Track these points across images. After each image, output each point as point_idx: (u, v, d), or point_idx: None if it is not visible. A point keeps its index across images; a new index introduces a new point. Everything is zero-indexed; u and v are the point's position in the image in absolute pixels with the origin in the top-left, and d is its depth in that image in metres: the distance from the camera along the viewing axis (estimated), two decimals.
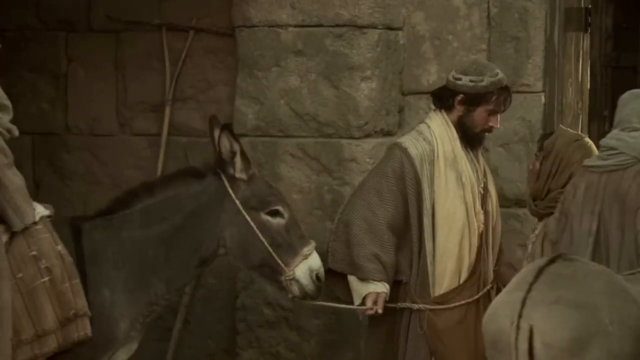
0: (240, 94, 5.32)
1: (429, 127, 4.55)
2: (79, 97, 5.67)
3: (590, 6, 5.67)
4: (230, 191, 4.28)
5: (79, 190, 5.62)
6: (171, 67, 5.54)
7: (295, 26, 5.20)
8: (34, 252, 3.98)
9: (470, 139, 4.53)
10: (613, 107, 6.20)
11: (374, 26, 5.18)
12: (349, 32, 5.16)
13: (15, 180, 3.98)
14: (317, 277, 4.31)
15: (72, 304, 4.00)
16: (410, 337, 4.51)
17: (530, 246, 4.35)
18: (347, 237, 4.47)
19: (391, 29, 5.27)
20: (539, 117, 5.27)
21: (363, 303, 4.44)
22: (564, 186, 4.32)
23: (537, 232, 4.38)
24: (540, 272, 3.63)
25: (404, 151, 4.48)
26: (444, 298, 4.49)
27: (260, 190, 4.34)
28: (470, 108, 4.49)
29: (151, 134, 5.62)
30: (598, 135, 6.07)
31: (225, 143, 4.27)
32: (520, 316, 3.55)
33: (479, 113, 4.48)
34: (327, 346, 5.22)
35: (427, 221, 4.47)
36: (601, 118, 6.04)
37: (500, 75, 4.50)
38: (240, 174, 4.30)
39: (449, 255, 4.47)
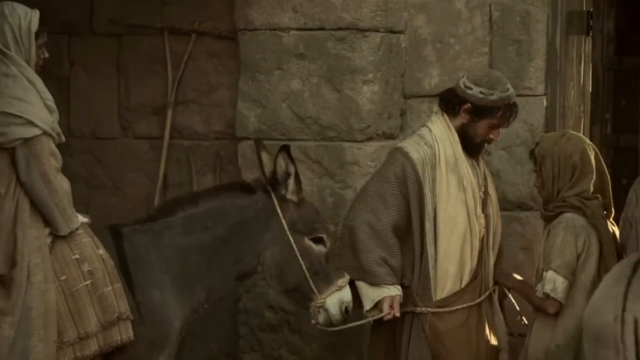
0: (243, 97, 5.32)
1: (430, 130, 4.56)
2: (82, 100, 5.68)
3: (592, 9, 5.67)
4: (279, 211, 4.33)
5: (82, 192, 5.62)
6: (173, 71, 5.55)
7: (297, 29, 5.21)
8: (77, 256, 4.04)
9: (469, 147, 4.55)
10: (615, 110, 6.21)
11: (375, 29, 5.19)
12: (351, 36, 5.17)
13: (64, 184, 4.05)
14: (346, 309, 4.37)
15: (115, 307, 4.04)
16: (412, 340, 4.52)
17: (540, 247, 4.37)
18: (353, 243, 4.49)
19: (393, 32, 5.27)
20: (540, 120, 5.27)
21: (375, 307, 4.46)
22: (570, 180, 4.33)
23: (546, 234, 4.41)
24: (636, 265, 3.69)
25: (406, 155, 4.50)
26: (446, 302, 4.49)
27: (308, 215, 4.39)
28: (475, 118, 4.52)
29: (153, 137, 5.63)
30: (600, 138, 6.08)
31: (281, 163, 4.32)
32: (624, 310, 3.62)
33: (483, 125, 4.51)
34: (329, 349, 5.22)
35: (429, 225, 4.48)
36: (603, 121, 6.04)
37: (510, 91, 4.53)
38: (291, 196, 4.35)
39: (451, 259, 4.48)
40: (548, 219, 4.41)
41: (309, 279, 4.32)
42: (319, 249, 4.36)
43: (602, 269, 4.30)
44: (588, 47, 5.71)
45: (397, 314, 4.45)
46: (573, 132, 4.48)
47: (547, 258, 4.28)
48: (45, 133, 3.97)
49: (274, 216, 4.33)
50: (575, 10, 5.56)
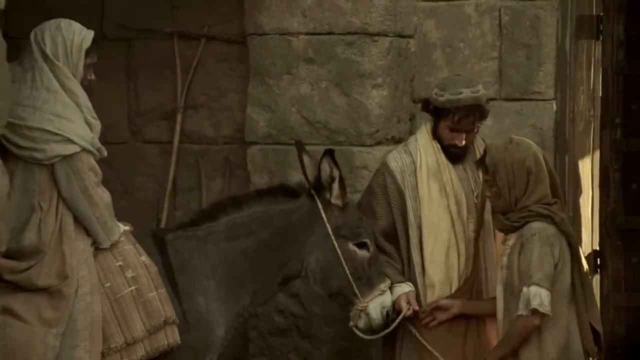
0: (252, 102, 5.32)
1: (416, 139, 4.62)
2: (91, 104, 5.68)
3: (602, 14, 5.67)
4: (324, 215, 4.34)
5: None
6: (183, 75, 5.55)
7: (307, 34, 5.21)
8: (120, 263, 4.08)
9: (445, 151, 4.55)
10: (625, 114, 6.19)
11: (385, 34, 5.19)
12: (360, 40, 5.17)
13: (104, 197, 4.09)
14: (387, 313, 4.41)
15: (160, 312, 4.06)
16: (404, 348, 4.57)
17: (505, 258, 4.30)
18: None
19: (402, 36, 5.27)
20: (550, 124, 5.27)
21: (393, 310, 4.47)
22: (527, 186, 4.25)
23: (511, 242, 4.30)
24: None
25: (385, 165, 4.59)
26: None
27: (352, 220, 4.40)
28: (435, 120, 4.56)
29: (163, 142, 5.64)
30: (610, 142, 6.06)
31: (326, 167, 4.33)
32: None
33: (442, 127, 4.54)
34: (339, 354, 5.22)
35: (412, 232, 4.52)
36: (613, 125, 6.02)
37: (463, 94, 4.48)
38: (336, 200, 4.36)
39: (436, 264, 4.50)
40: (511, 230, 4.30)
41: (353, 284, 4.34)
42: (362, 253, 4.38)
43: (575, 274, 4.24)
44: (598, 52, 5.71)
45: (416, 307, 4.48)
46: (519, 137, 4.42)
47: (526, 273, 4.19)
48: (84, 150, 4.01)
49: (318, 221, 4.34)
50: (585, 15, 5.56)
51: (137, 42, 5.62)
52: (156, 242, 4.25)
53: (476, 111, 4.47)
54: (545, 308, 4.17)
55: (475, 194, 4.55)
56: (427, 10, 5.31)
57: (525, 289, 4.17)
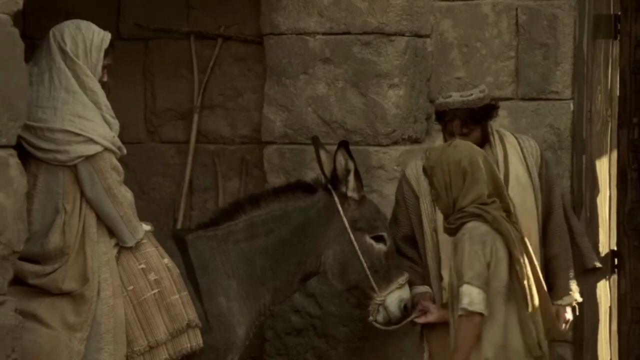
0: (268, 102, 5.33)
1: (436, 143, 4.77)
2: None
3: (619, 13, 5.64)
4: (340, 209, 4.35)
5: None
6: (199, 75, 5.56)
7: (323, 34, 5.21)
8: (142, 266, 4.09)
9: None
10: None
11: (401, 33, 5.18)
12: (377, 40, 5.17)
13: (128, 195, 4.10)
14: (405, 306, 4.42)
15: (183, 315, 4.08)
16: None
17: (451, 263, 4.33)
18: None
19: (419, 36, 5.27)
20: (567, 124, 5.25)
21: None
22: (463, 187, 4.26)
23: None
24: None
25: (403, 174, 4.69)
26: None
27: (369, 213, 4.41)
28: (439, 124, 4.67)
29: (179, 142, 5.64)
30: (627, 142, 6.04)
31: (341, 160, 4.34)
32: None
33: (445, 130, 4.60)
34: (355, 353, 5.22)
35: (427, 237, 4.55)
36: (630, 125, 5.99)
37: (452, 98, 4.53)
38: (352, 193, 4.37)
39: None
40: (452, 233, 4.30)
41: (370, 277, 4.35)
42: (379, 247, 4.40)
43: (513, 272, 4.23)
44: (615, 51, 5.68)
45: (430, 309, 4.51)
46: (462, 141, 4.39)
47: (459, 274, 4.19)
48: (106, 149, 4.01)
49: (335, 214, 4.35)
50: (603, 14, 5.54)
51: (154, 42, 5.63)
52: (177, 243, 4.25)
53: (464, 115, 4.50)
54: (476, 306, 4.15)
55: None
56: (444, 9, 5.30)
57: (459, 290, 4.19)
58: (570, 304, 4.65)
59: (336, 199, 4.36)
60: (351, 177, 4.36)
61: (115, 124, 4.12)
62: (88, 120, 4.00)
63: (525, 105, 5.31)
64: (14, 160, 3.64)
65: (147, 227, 4.20)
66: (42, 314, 3.92)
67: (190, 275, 4.18)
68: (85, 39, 4.08)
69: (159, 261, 4.12)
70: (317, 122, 5.23)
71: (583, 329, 5.38)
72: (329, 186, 4.38)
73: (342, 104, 5.21)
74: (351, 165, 4.36)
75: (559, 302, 4.62)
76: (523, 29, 5.24)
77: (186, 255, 4.22)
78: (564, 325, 4.65)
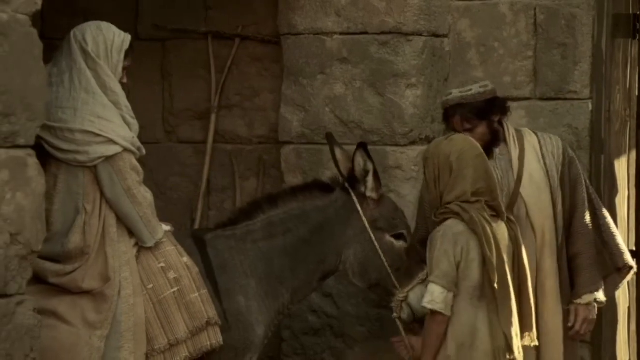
0: (286, 102, 5.33)
1: None
2: None
3: (638, 12, 5.62)
4: (360, 209, 4.38)
5: None
6: (217, 75, 5.57)
7: (341, 34, 5.21)
8: (162, 264, 4.10)
9: None
10: None
11: (419, 33, 5.17)
12: (394, 40, 5.16)
13: (147, 196, 4.12)
14: None
15: (203, 313, 4.09)
16: None
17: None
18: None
19: (437, 36, 5.26)
20: (586, 124, 5.23)
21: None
22: (449, 178, 4.25)
23: None
24: None
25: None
26: None
27: (388, 212, 4.44)
28: None
29: (197, 142, 5.65)
30: None
31: (360, 161, 4.37)
32: None
33: (447, 129, 4.64)
34: (372, 353, 5.21)
35: None
36: None
37: (452, 95, 4.58)
38: (371, 193, 4.40)
39: None
40: (437, 225, 4.31)
41: (392, 275, 4.38)
42: (399, 244, 4.43)
43: (485, 274, 4.19)
44: (634, 50, 5.66)
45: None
46: (460, 135, 4.37)
47: (430, 270, 4.21)
48: (125, 149, 4.03)
49: (354, 214, 4.38)
50: (622, 14, 5.51)
51: (172, 43, 5.64)
52: (196, 242, 4.26)
53: (463, 110, 4.52)
54: (437, 305, 4.15)
55: (504, 192, 4.55)
56: (461, 9, 5.29)
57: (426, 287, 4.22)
58: (589, 303, 4.60)
59: (355, 198, 4.38)
60: (370, 178, 4.38)
61: (135, 124, 4.13)
62: (108, 121, 4.01)
63: (543, 105, 5.29)
64: (33, 161, 3.65)
65: (166, 227, 4.22)
66: (62, 312, 3.93)
67: (209, 274, 4.20)
68: (107, 40, 4.10)
69: (178, 260, 4.13)
70: (335, 122, 5.23)
71: (602, 330, 5.36)
72: (347, 186, 4.40)
73: (360, 104, 5.21)
74: (370, 166, 4.38)
75: (578, 300, 4.60)
76: (541, 28, 5.23)
77: (205, 254, 4.23)
78: (581, 325, 4.61)
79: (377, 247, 4.37)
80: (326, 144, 5.00)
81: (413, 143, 5.20)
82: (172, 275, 4.09)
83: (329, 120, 5.24)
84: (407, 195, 5.14)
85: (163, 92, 5.68)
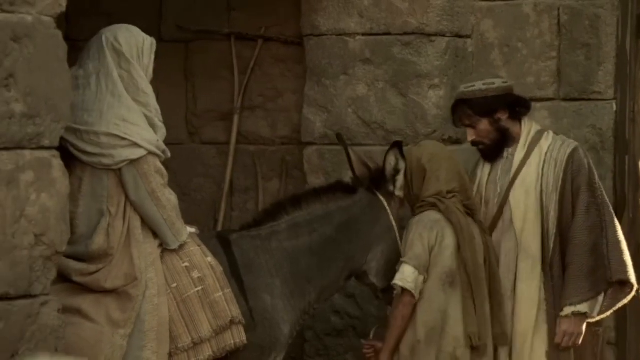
0: (308, 103, 5.33)
1: None
2: None
3: None
4: (387, 207, 4.42)
5: None
6: (240, 76, 5.57)
7: (364, 34, 5.21)
8: (186, 264, 4.12)
9: None
10: None
11: (442, 34, 5.16)
12: (417, 40, 5.15)
13: (172, 198, 4.12)
14: None
15: (227, 311, 4.10)
16: None
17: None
18: None
19: (460, 36, 5.25)
20: (610, 124, 5.21)
21: None
22: (423, 183, 4.44)
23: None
24: None
25: None
26: None
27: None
28: None
29: (220, 143, 5.66)
30: None
31: (392, 159, 4.42)
32: None
33: (454, 124, 4.68)
34: (394, 354, 5.20)
35: None
36: None
37: (459, 91, 4.59)
38: (399, 192, 4.44)
39: None
40: None
41: None
42: None
43: (460, 261, 4.32)
44: None
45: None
46: (430, 140, 4.70)
47: (403, 252, 4.36)
48: (150, 153, 4.04)
49: (381, 212, 4.42)
50: None
51: (195, 44, 5.65)
52: (221, 242, 4.28)
53: (465, 105, 4.53)
54: (408, 284, 4.31)
55: (497, 192, 4.55)
56: (484, 10, 5.28)
57: (397, 267, 4.35)
58: (567, 316, 4.45)
59: (381, 197, 4.41)
60: (400, 177, 4.42)
61: (162, 128, 4.14)
62: (133, 124, 4.02)
63: (567, 105, 5.27)
64: (57, 162, 3.67)
65: (191, 229, 4.23)
66: (86, 309, 3.95)
67: (235, 273, 4.21)
68: (137, 41, 4.13)
69: (202, 259, 4.14)
70: (357, 122, 5.23)
71: (626, 330, 5.33)
72: (371, 185, 4.43)
73: (382, 105, 5.21)
74: (402, 165, 4.42)
75: (560, 312, 4.48)
76: (565, 29, 5.21)
77: (230, 253, 4.25)
78: (562, 338, 4.46)
79: (400, 246, 4.40)
80: (349, 145, 4.98)
81: None
82: (196, 274, 4.10)
83: (352, 121, 5.23)
84: None
85: (186, 93, 5.69)
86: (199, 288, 4.08)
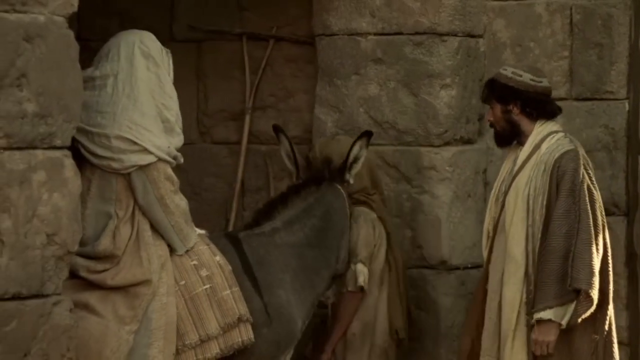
0: (320, 102, 5.33)
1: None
2: None
3: None
4: (345, 195, 4.61)
5: None
6: (251, 76, 5.57)
7: (375, 34, 5.21)
8: (194, 262, 4.14)
9: None
10: None
11: (454, 34, 5.16)
12: (429, 40, 5.15)
13: (181, 204, 4.13)
14: None
15: (234, 310, 4.12)
16: None
17: None
18: None
19: (472, 36, 5.24)
20: (622, 124, 5.20)
21: None
22: None
23: None
24: None
25: None
26: None
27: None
28: None
29: (231, 142, 5.66)
30: None
31: (357, 148, 4.64)
32: None
33: None
34: (407, 354, 5.20)
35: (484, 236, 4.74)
36: None
37: (499, 70, 4.65)
38: (352, 179, 4.65)
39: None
40: None
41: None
42: None
43: (391, 258, 4.59)
44: None
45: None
46: (343, 136, 4.83)
47: (353, 252, 4.54)
48: (160, 159, 4.05)
49: (341, 200, 4.57)
50: None
51: (207, 44, 5.65)
52: (231, 241, 4.32)
53: (487, 86, 4.61)
54: (367, 285, 4.60)
55: (505, 184, 4.56)
56: (496, 9, 5.27)
57: (352, 266, 4.55)
58: (532, 324, 4.38)
59: (339, 186, 4.58)
60: (358, 165, 4.61)
61: (180, 134, 4.16)
62: (145, 129, 4.03)
63: (579, 105, 5.26)
64: (69, 162, 3.68)
65: (201, 231, 4.26)
66: (93, 304, 3.96)
67: (248, 270, 4.24)
68: (160, 47, 4.18)
69: (210, 258, 4.15)
70: (369, 122, 5.23)
71: (639, 331, 5.31)
72: (331, 174, 4.59)
73: (394, 105, 5.20)
74: (363, 154, 4.62)
75: (531, 320, 4.42)
76: (577, 28, 5.20)
77: (241, 251, 4.28)
78: (534, 345, 4.39)
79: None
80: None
81: (447, 144, 5.19)
82: (204, 272, 4.11)
83: (363, 121, 5.23)
84: (441, 196, 5.12)
85: (198, 93, 5.69)
86: (207, 286, 4.09)
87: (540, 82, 4.56)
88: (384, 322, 4.61)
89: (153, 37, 4.19)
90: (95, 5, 5.50)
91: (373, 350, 4.58)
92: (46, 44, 3.57)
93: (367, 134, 4.63)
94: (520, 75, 4.53)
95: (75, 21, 4.99)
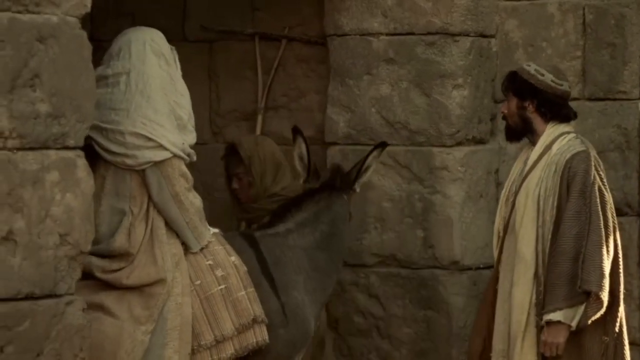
0: (332, 102, 5.33)
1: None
2: None
3: None
4: (349, 204, 4.66)
5: None
6: (263, 76, 5.58)
7: (387, 34, 5.20)
8: (210, 262, 4.14)
9: None
10: None
11: (466, 34, 5.15)
12: (441, 40, 5.14)
13: (195, 202, 4.14)
14: None
15: (249, 310, 4.13)
16: None
17: None
18: None
19: (484, 36, 5.23)
20: (635, 124, 5.20)
21: None
22: (275, 177, 4.79)
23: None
24: None
25: None
26: None
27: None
28: None
29: None
30: None
31: (371, 160, 4.70)
32: None
33: None
34: (418, 355, 5.20)
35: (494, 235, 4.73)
36: None
37: (522, 64, 4.67)
38: (359, 188, 4.69)
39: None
40: (264, 213, 4.68)
41: None
42: None
43: None
44: None
45: None
46: (265, 137, 5.06)
47: None
48: (175, 155, 4.05)
49: (345, 209, 4.63)
50: None
51: (219, 44, 5.66)
52: (247, 240, 4.33)
53: (508, 78, 4.60)
54: None
55: (516, 183, 4.54)
56: (509, 9, 5.26)
57: None
58: (542, 326, 4.37)
59: (344, 196, 4.62)
60: (368, 174, 4.66)
61: (193, 132, 4.16)
62: (159, 125, 4.03)
63: (591, 105, 5.25)
64: (82, 162, 3.68)
65: (215, 230, 4.26)
66: (109, 305, 3.97)
67: (265, 270, 4.25)
68: (168, 45, 4.18)
69: (226, 258, 4.16)
70: (381, 122, 5.22)
71: None
72: (342, 183, 4.63)
73: (406, 105, 5.20)
74: (373, 164, 4.66)
75: (541, 321, 4.42)
76: (590, 28, 5.19)
77: (258, 251, 4.29)
78: (543, 347, 4.38)
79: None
80: (373, 144, 4.98)
81: (460, 144, 5.18)
82: (219, 272, 4.11)
83: (375, 121, 5.23)
84: (453, 196, 5.12)
85: (210, 93, 5.70)
86: (222, 286, 4.09)
87: (561, 85, 4.55)
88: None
89: (161, 34, 4.19)
90: (107, 5, 5.51)
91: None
92: (59, 45, 3.58)
93: (383, 145, 4.66)
94: (543, 75, 4.52)
95: (88, 21, 5.00)
